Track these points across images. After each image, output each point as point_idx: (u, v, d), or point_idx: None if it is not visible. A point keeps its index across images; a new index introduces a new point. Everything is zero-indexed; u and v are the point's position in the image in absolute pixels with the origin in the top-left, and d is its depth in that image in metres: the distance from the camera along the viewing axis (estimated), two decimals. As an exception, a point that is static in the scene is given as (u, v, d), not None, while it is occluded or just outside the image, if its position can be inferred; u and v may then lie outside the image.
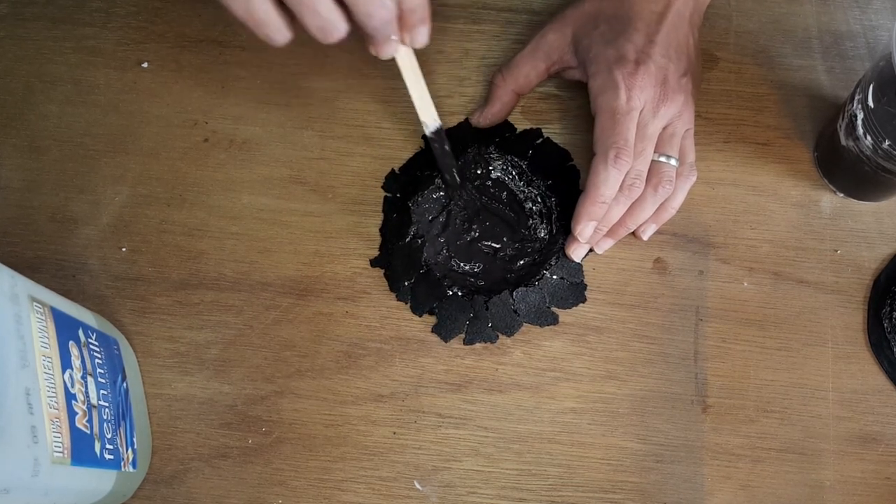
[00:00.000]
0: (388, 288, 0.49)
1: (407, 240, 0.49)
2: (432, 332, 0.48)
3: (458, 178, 0.50)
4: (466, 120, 0.53)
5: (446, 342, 0.48)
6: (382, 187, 0.51)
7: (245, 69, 0.54)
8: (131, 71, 0.54)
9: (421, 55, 0.54)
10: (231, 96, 0.54)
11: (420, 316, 0.49)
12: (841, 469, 0.47)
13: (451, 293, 0.49)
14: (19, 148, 0.53)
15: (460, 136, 0.52)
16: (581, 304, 0.49)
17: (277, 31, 0.39)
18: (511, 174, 0.51)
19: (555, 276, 0.49)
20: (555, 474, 0.47)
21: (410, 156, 0.52)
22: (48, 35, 0.55)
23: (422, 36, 0.43)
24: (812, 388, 0.48)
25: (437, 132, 0.48)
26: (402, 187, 0.51)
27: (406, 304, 0.49)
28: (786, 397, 0.48)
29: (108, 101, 0.54)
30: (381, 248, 0.50)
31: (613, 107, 0.46)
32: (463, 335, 0.48)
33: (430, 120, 0.48)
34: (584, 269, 0.50)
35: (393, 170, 0.52)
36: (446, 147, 0.49)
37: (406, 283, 0.49)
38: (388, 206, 0.51)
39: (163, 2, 0.56)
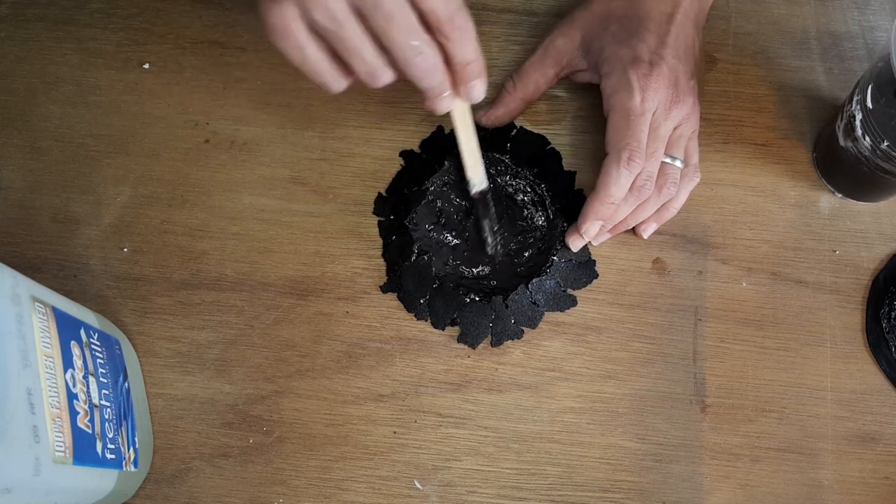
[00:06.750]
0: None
1: (413, 258, 0.49)
2: (458, 342, 0.48)
3: (496, 243, 0.49)
4: (440, 128, 0.53)
5: (474, 348, 0.48)
6: (374, 213, 0.51)
7: (246, 70, 0.54)
8: (133, 72, 0.55)
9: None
10: (232, 97, 0.54)
11: (443, 329, 0.49)
12: (839, 468, 0.47)
13: (468, 300, 0.49)
14: (21, 148, 0.53)
15: (437, 145, 0.52)
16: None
17: (333, 79, 0.41)
18: (496, 170, 0.51)
19: (563, 260, 0.49)
20: (554, 473, 0.47)
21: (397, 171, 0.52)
22: (50, 36, 0.55)
23: (477, 91, 0.42)
24: (810, 388, 0.48)
25: (483, 193, 0.48)
26: (392, 208, 0.51)
27: (426, 320, 0.49)
28: (784, 397, 0.48)
29: (110, 102, 0.54)
30: (387, 273, 0.50)
31: (628, 108, 0.46)
32: (489, 338, 0.48)
33: (477, 179, 0.47)
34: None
35: (380, 193, 0.52)
36: (491, 209, 0.48)
37: (422, 301, 0.49)
38: (385, 229, 0.51)
39: (164, 3, 0.56)
